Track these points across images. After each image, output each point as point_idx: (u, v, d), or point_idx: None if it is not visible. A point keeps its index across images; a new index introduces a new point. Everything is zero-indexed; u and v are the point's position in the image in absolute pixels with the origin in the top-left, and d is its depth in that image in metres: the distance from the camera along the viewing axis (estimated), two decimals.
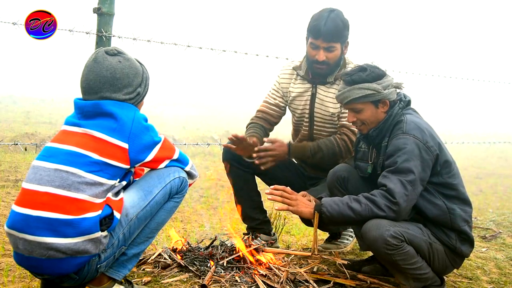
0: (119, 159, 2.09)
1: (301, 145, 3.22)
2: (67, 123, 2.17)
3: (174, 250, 2.89)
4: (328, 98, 3.20)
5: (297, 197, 2.62)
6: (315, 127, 3.27)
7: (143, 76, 2.24)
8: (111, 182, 2.09)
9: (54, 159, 2.05)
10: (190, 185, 2.40)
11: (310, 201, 2.65)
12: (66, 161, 2.03)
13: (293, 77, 3.33)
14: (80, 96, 2.22)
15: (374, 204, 2.46)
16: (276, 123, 3.46)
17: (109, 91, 2.14)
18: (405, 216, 2.51)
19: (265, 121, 3.40)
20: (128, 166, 2.13)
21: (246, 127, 3.40)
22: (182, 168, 2.33)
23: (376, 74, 2.62)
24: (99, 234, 2.04)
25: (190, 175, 2.38)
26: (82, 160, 2.04)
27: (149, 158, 2.18)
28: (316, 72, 3.20)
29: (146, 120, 2.18)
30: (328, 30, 3.03)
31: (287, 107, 3.43)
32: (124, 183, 2.18)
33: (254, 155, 3.06)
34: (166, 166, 2.28)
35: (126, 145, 2.09)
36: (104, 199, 2.07)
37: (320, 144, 3.16)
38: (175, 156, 2.29)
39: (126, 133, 2.09)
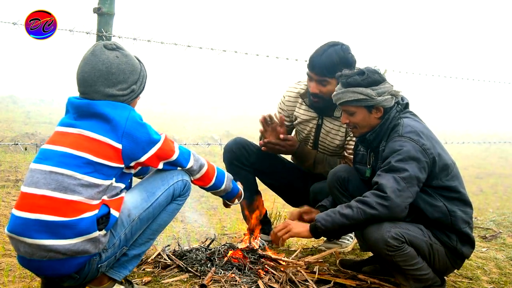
0: (112, 159, 2.07)
1: (307, 151, 3.25)
2: (62, 124, 2.16)
3: (174, 251, 2.89)
4: (334, 131, 3.20)
5: (290, 223, 2.65)
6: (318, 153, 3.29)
7: (140, 74, 2.22)
8: (107, 182, 2.08)
9: (49, 162, 2.05)
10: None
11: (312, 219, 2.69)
12: (61, 163, 2.03)
13: (298, 102, 3.31)
14: (77, 94, 2.21)
15: (365, 204, 2.44)
16: None
17: (103, 85, 2.12)
18: (401, 213, 2.45)
19: None
20: (122, 166, 2.11)
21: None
22: (183, 167, 2.30)
23: (372, 80, 2.60)
24: (97, 233, 2.05)
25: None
26: (76, 161, 2.03)
27: (145, 157, 2.15)
28: (313, 105, 3.19)
29: (141, 119, 2.15)
30: (321, 64, 3.00)
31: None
32: (122, 185, 2.17)
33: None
34: (164, 168, 2.25)
35: (119, 145, 2.08)
36: (101, 200, 2.07)
37: (326, 158, 3.22)
38: (174, 157, 2.25)
39: (119, 132, 2.08)
